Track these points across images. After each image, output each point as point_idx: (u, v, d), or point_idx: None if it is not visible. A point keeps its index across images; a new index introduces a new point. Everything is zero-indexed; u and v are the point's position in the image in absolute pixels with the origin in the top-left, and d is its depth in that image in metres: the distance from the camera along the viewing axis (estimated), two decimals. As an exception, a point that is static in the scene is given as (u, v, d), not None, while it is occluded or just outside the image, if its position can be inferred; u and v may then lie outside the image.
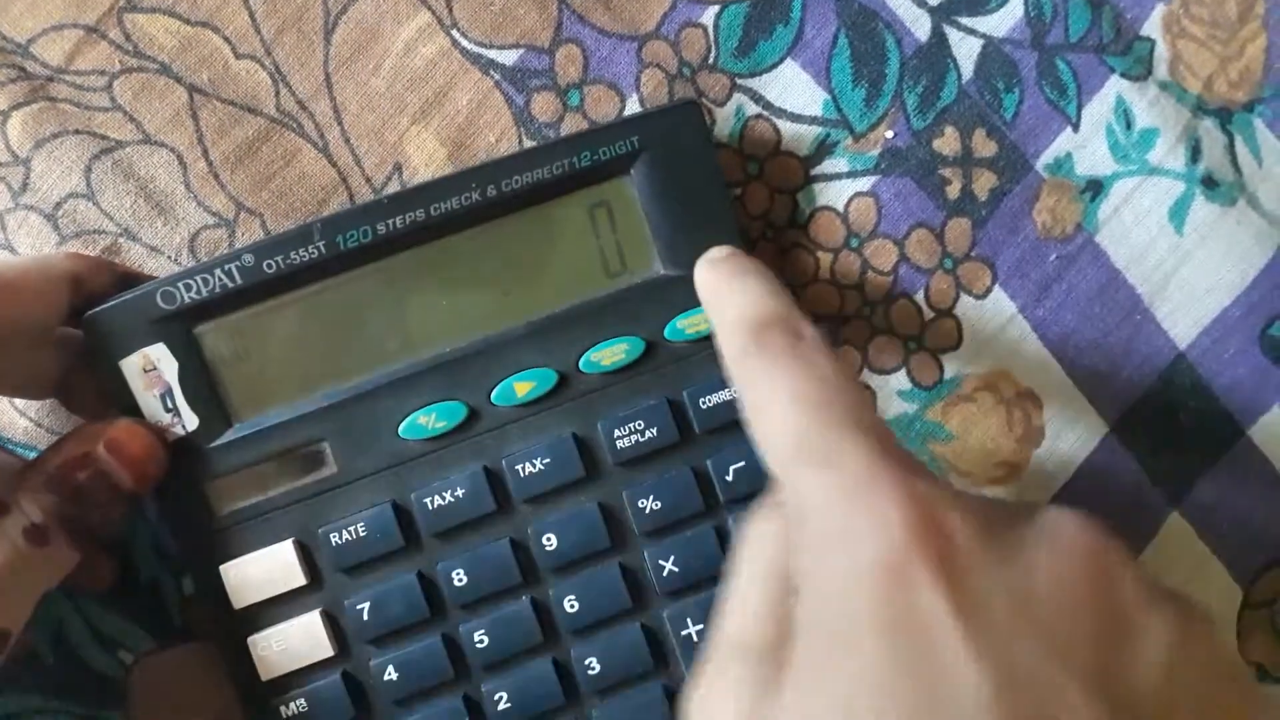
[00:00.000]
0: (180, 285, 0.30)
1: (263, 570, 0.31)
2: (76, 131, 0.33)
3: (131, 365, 0.30)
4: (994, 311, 0.36)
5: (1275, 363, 0.37)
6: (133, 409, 0.31)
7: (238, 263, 0.30)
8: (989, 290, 0.36)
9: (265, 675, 0.31)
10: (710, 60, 0.35)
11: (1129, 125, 0.36)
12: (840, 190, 0.36)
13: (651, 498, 0.32)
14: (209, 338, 0.31)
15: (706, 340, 0.32)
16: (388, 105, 0.34)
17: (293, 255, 0.30)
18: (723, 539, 0.32)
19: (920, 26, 0.36)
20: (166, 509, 0.31)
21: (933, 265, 0.36)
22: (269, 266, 0.30)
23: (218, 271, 0.30)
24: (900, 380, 0.36)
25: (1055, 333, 0.36)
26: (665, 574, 0.32)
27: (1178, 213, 0.37)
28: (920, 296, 0.36)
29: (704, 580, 0.32)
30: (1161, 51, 0.36)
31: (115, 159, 0.33)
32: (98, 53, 0.33)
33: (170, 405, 0.31)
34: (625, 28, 0.35)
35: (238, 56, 0.34)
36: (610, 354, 0.32)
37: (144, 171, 0.33)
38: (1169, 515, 0.37)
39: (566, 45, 0.34)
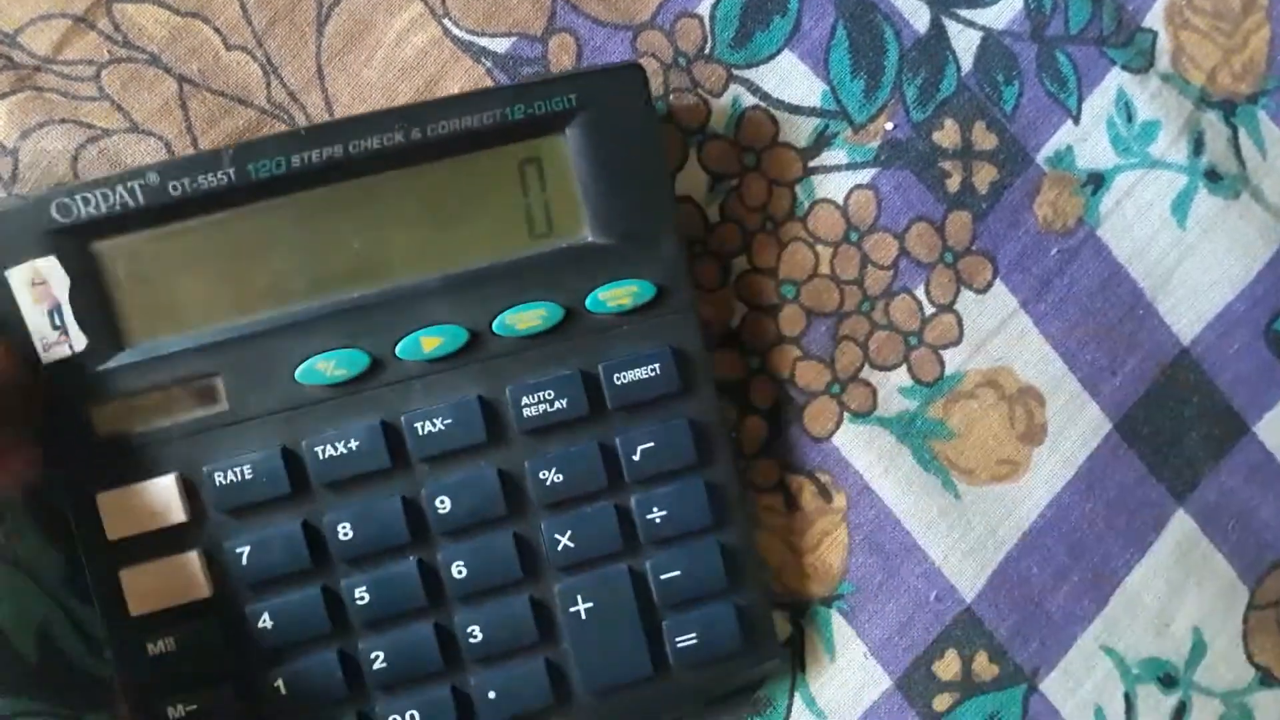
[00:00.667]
0: (79, 198, 0.29)
1: (142, 503, 0.30)
2: (63, 120, 0.32)
3: (19, 276, 0.29)
4: (995, 306, 0.36)
5: (1280, 358, 0.37)
6: (16, 322, 0.29)
7: (141, 180, 0.29)
8: (990, 285, 0.36)
9: (135, 610, 0.30)
10: (706, 50, 0.35)
11: (1130, 118, 0.36)
12: (839, 183, 0.35)
13: (554, 470, 0.32)
14: (105, 256, 0.29)
15: (628, 314, 0.32)
16: (379, 96, 0.34)
17: (201, 179, 0.29)
18: (623, 519, 0.32)
19: (919, 18, 0.35)
20: (47, 430, 0.30)
21: (933, 259, 0.35)
22: (175, 188, 0.29)
23: (120, 188, 0.29)
24: (901, 377, 0.36)
25: (1057, 327, 0.36)
26: (560, 548, 0.32)
27: (1180, 206, 0.36)
28: (921, 291, 0.35)
29: (599, 559, 0.32)
30: (1164, 43, 0.36)
31: (102, 148, 0.32)
32: (86, 42, 0.32)
33: (58, 323, 0.29)
34: (620, 17, 0.34)
35: (229, 48, 0.33)
36: (526, 318, 0.31)
37: (131, 160, 0.32)
38: (1174, 513, 0.36)
39: (559, 34, 0.34)
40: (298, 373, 0.31)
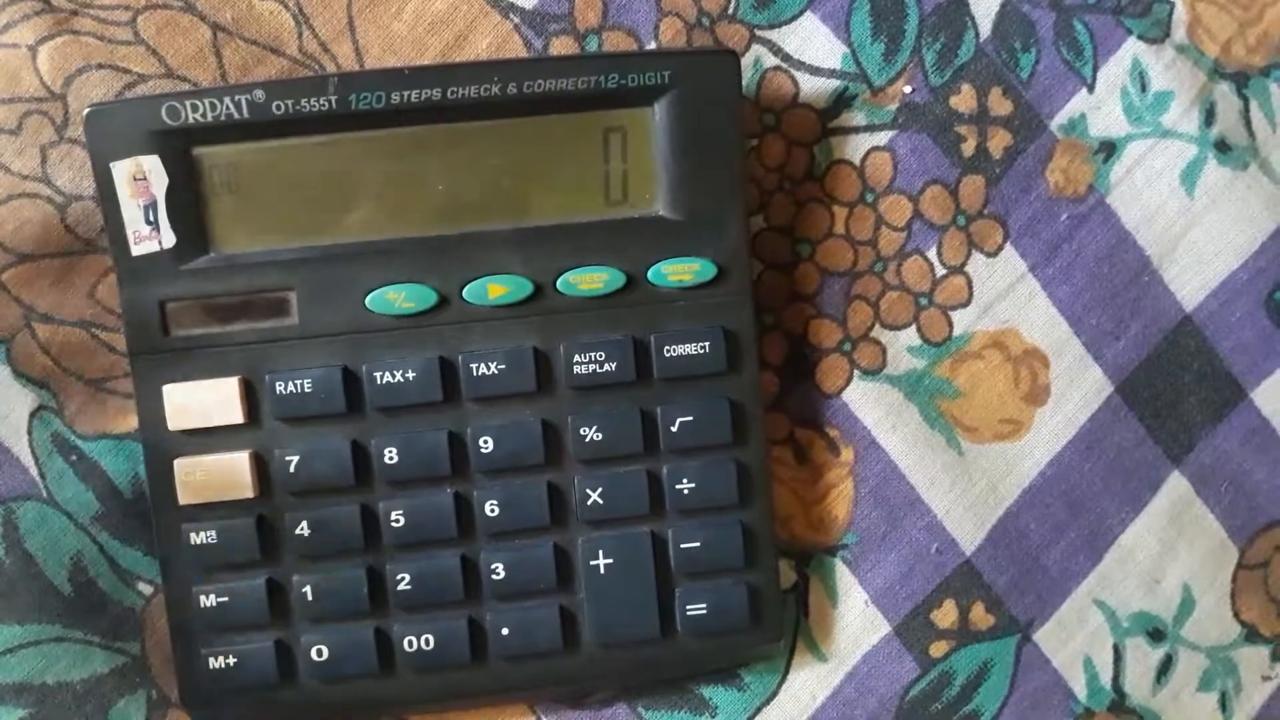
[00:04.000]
0: (187, 104, 0.30)
1: (204, 399, 0.32)
2: (100, 65, 0.33)
3: (122, 169, 0.30)
4: (1005, 269, 0.37)
5: (1280, 327, 0.38)
6: (114, 212, 0.31)
7: (248, 96, 0.30)
8: (1000, 248, 0.36)
9: (183, 500, 0.32)
10: (730, 10, 0.35)
11: (1144, 87, 0.37)
12: (857, 144, 0.36)
13: (595, 428, 0.33)
14: (204, 162, 0.31)
15: (687, 290, 0.33)
16: (409, 48, 0.34)
17: (304, 102, 0.30)
18: (653, 484, 0.33)
19: (940, -17, 0.36)
20: (126, 316, 0.32)
21: (946, 222, 0.36)
22: (278, 107, 0.30)
23: (227, 100, 0.30)
24: (910, 336, 0.36)
25: (1064, 292, 0.37)
26: (589, 503, 0.33)
27: (1189, 176, 0.37)
28: (933, 253, 0.36)
29: (624, 519, 0.33)
30: (1180, 14, 0.37)
31: (140, 93, 0.33)
32: (122, -12, 0.33)
33: (151, 219, 0.31)
34: (646, -25, 0.35)
35: (260, -4, 0.34)
36: (589, 279, 0.32)
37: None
38: (1169, 474, 0.38)
39: (587, -9, 0.35)
40: (368, 299, 0.32)
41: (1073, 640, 0.37)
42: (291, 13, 0.34)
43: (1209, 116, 0.37)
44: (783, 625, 0.35)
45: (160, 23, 0.33)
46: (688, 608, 0.34)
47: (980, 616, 0.37)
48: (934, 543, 0.36)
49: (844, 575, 0.36)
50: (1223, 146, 0.37)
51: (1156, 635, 0.38)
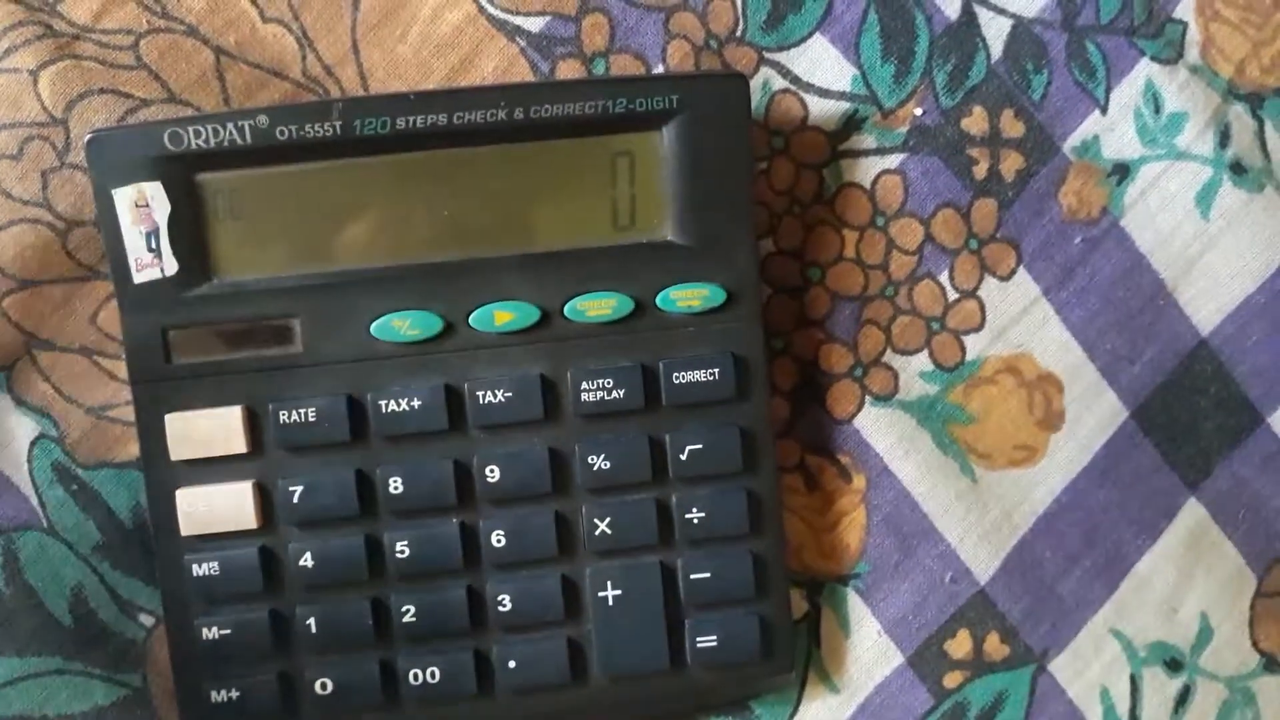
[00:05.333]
0: (190, 129, 0.30)
1: (206, 429, 0.31)
2: (102, 90, 0.32)
3: (124, 196, 0.30)
4: (1018, 293, 0.36)
5: (1298, 351, 0.37)
6: (116, 240, 0.30)
7: (251, 122, 0.30)
8: (1013, 272, 0.36)
9: (185, 531, 0.31)
10: (738, 33, 0.35)
11: (1158, 109, 0.36)
12: (867, 167, 0.35)
13: (603, 456, 0.32)
14: (207, 189, 0.31)
15: (696, 316, 0.32)
16: (414, 72, 0.34)
17: (308, 128, 0.30)
18: (662, 514, 0.33)
19: (950, 4, 0.35)
20: (127, 344, 0.31)
21: (958, 246, 0.36)
22: (282, 133, 0.30)
23: (230, 125, 0.30)
24: (923, 361, 0.36)
25: (1078, 316, 0.36)
26: (598, 532, 0.32)
27: (1204, 198, 0.36)
28: (944, 277, 0.36)
29: (633, 549, 0.33)
30: (1193, 35, 0.36)
31: (142, 118, 0.33)
32: (125, 13, 0.33)
33: (154, 246, 0.30)
34: (654, -1, 0.35)
35: (265, 20, 0.34)
36: (597, 305, 0.32)
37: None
38: (1186, 501, 0.37)
39: (593, 14, 0.34)
40: (373, 327, 0.31)
41: (1089, 670, 0.37)
42: (295, 36, 0.33)
43: (1224, 138, 0.36)
44: (794, 657, 0.34)
45: (163, 47, 0.33)
46: (698, 639, 0.33)
47: (995, 647, 0.36)
48: (948, 572, 0.36)
49: (856, 605, 0.36)
50: (1238, 168, 0.36)
51: (1174, 665, 0.37)
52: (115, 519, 0.33)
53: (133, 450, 0.33)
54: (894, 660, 0.36)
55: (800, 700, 0.36)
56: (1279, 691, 0.38)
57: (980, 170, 0.36)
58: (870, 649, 0.36)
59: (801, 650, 0.36)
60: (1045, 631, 0.36)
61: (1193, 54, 0.36)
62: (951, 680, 0.36)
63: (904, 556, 0.36)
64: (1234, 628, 0.37)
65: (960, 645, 0.36)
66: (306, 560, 0.32)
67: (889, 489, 0.36)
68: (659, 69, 0.35)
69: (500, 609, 0.32)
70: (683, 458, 0.33)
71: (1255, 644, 0.38)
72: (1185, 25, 0.36)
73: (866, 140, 0.35)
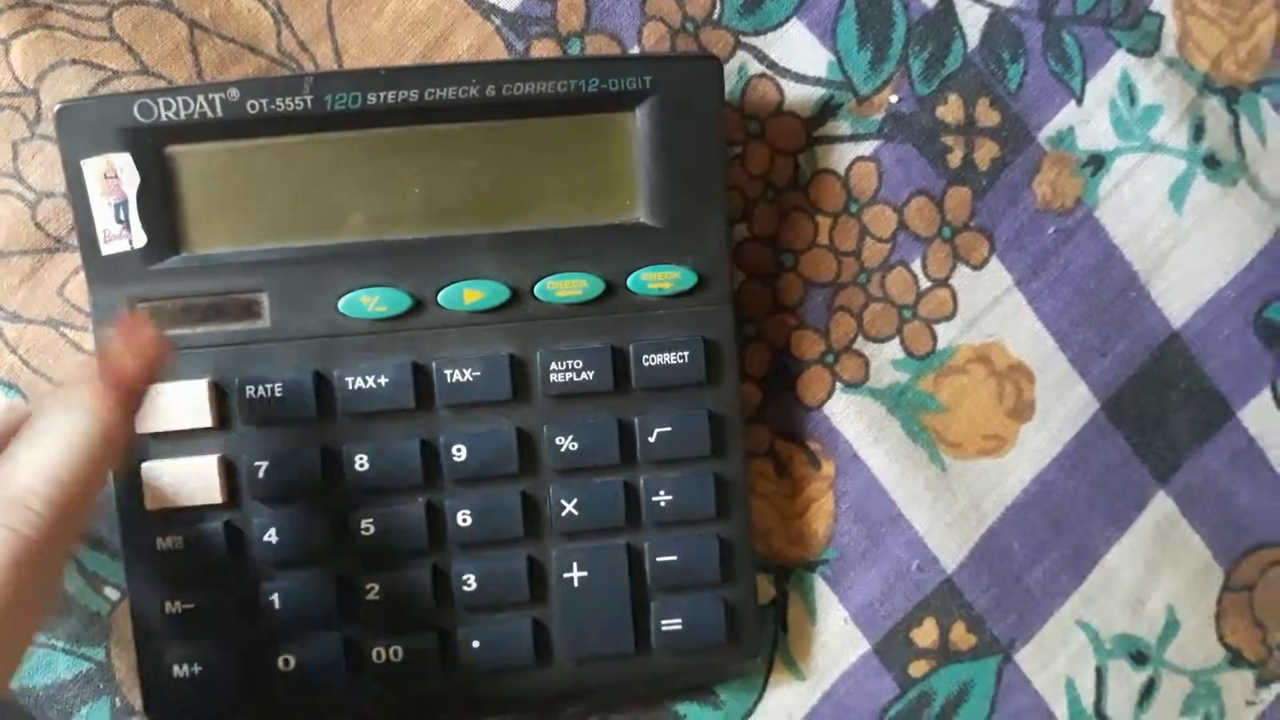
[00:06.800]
0: (160, 101, 0.30)
1: (172, 402, 0.31)
2: (74, 61, 0.32)
3: (93, 167, 0.30)
4: (990, 283, 0.36)
5: (1268, 345, 0.37)
6: (84, 210, 0.30)
7: (222, 95, 0.30)
8: (986, 261, 0.36)
9: (150, 505, 0.31)
10: (715, 16, 0.35)
11: (1133, 101, 0.36)
12: (842, 154, 0.35)
13: (571, 437, 0.32)
14: (177, 161, 0.30)
15: (667, 299, 0.32)
16: (389, 48, 0.34)
17: (279, 101, 0.30)
18: (629, 496, 0.33)
19: (928, -8, 0.35)
20: (94, 316, 0.31)
21: (931, 234, 0.36)
22: (253, 106, 0.30)
23: (200, 98, 0.30)
24: (894, 349, 0.36)
25: (1050, 306, 0.36)
26: (564, 514, 0.32)
27: (1178, 191, 0.36)
28: (917, 265, 0.36)
29: (599, 530, 0.33)
30: (1170, 27, 0.36)
31: (114, 90, 0.32)
32: (98, -17, 0.33)
33: (122, 218, 0.30)
34: (631, -20, 0.34)
35: (239, -6, 0.33)
36: (567, 286, 0.32)
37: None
38: (1155, 494, 0.37)
39: (570, -6, 0.34)
40: (341, 303, 0.31)
41: (1055, 662, 0.37)
42: (270, 11, 0.33)
43: (1198, 131, 0.36)
44: (759, 642, 0.34)
45: (136, 19, 0.33)
46: (663, 623, 0.33)
47: (961, 636, 0.36)
48: (915, 560, 0.36)
49: (823, 592, 0.36)
50: (1212, 162, 0.36)
51: (1140, 658, 0.37)
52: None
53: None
54: (860, 648, 0.36)
55: (766, 686, 0.36)
56: (1243, 686, 0.38)
57: (955, 159, 0.36)
58: (836, 636, 0.36)
59: (767, 636, 0.36)
60: (1012, 622, 0.36)
61: (1169, 47, 0.36)
62: (917, 669, 0.36)
63: (871, 544, 0.36)
64: (1200, 622, 0.37)
65: (926, 634, 0.36)
66: (271, 536, 0.32)
67: (858, 476, 0.36)
68: (634, 50, 0.35)
69: (465, 589, 0.32)
70: (651, 440, 0.33)
71: (1221, 638, 0.38)
72: (1162, 18, 0.36)
73: (842, 127, 0.35)
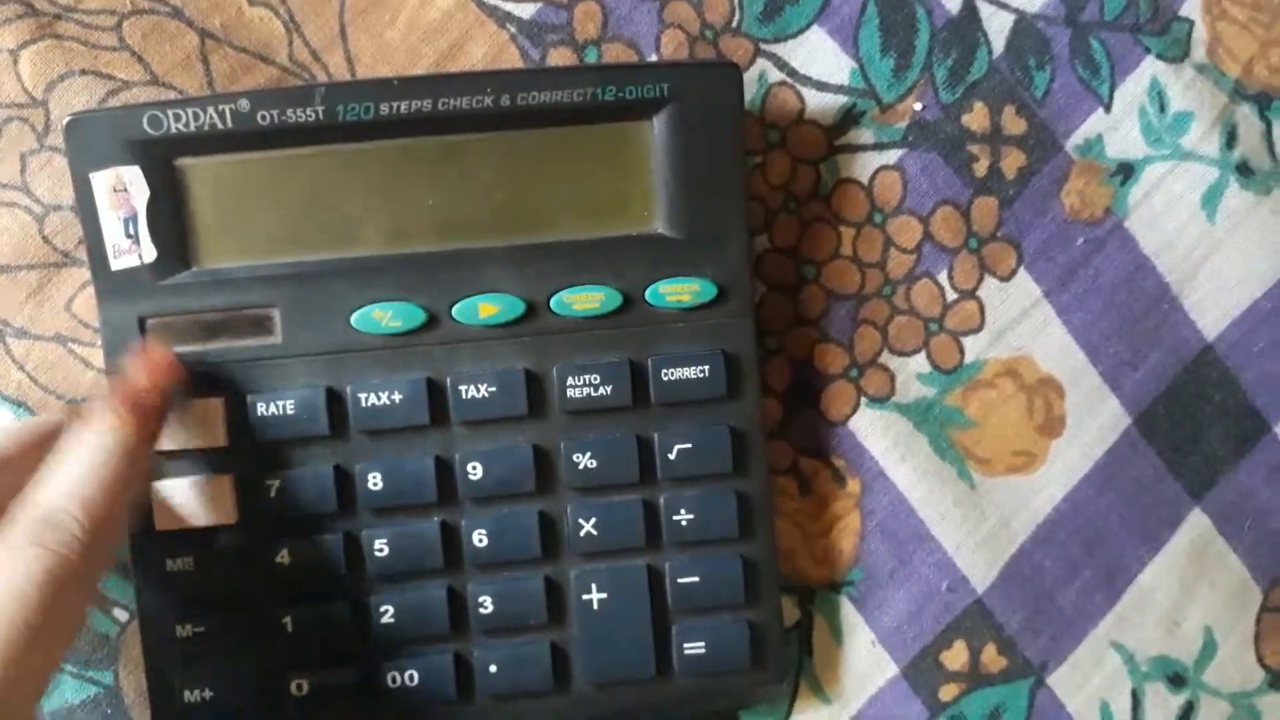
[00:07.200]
0: (170, 113, 0.29)
1: (184, 420, 0.30)
2: (83, 71, 0.32)
3: (102, 180, 0.29)
4: (1018, 294, 0.35)
5: (1306, 357, 0.36)
6: (93, 224, 0.30)
7: (233, 106, 0.29)
8: (1014, 272, 0.35)
9: (160, 525, 0.30)
10: (734, 23, 0.34)
11: (1163, 108, 0.35)
12: (865, 163, 0.35)
13: (589, 454, 0.31)
14: (187, 174, 0.30)
15: (686, 312, 0.32)
16: (402, 58, 0.33)
17: (290, 113, 0.29)
18: (650, 515, 0.32)
19: (952, -1, 0.35)
20: (104, 332, 0.30)
21: (957, 244, 0.35)
22: (263, 118, 0.29)
23: (210, 109, 0.29)
24: (920, 363, 0.35)
25: (1080, 319, 0.35)
26: (582, 534, 0.32)
27: (1210, 200, 0.36)
28: (943, 276, 0.35)
29: (619, 550, 0.32)
30: (1200, 33, 0.35)
31: (123, 100, 0.32)
32: (108, -7, 0.32)
33: (131, 232, 0.30)
34: (649, -13, 0.34)
35: (251, 4, 0.33)
36: (584, 299, 0.31)
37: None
38: (1190, 511, 0.36)
39: (586, 1, 0.34)
40: (354, 318, 0.31)
41: (1089, 684, 0.35)
42: (282, 20, 0.33)
43: (1230, 139, 0.36)
44: (785, 666, 0.33)
45: (146, 28, 0.32)
46: (685, 646, 0.32)
47: (992, 658, 0.35)
48: (944, 580, 0.35)
49: (850, 613, 0.35)
50: (1245, 170, 0.36)
51: (1177, 680, 0.36)
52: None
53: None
54: (888, 671, 0.35)
55: (791, 711, 0.35)
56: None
57: (980, 168, 0.35)
58: (864, 659, 0.35)
59: (793, 659, 0.35)
60: (1044, 643, 0.35)
61: (1199, 52, 0.36)
62: (947, 693, 0.35)
63: (899, 564, 0.35)
64: (1239, 643, 0.36)
65: (956, 656, 0.35)
66: (283, 557, 0.31)
67: (884, 494, 0.35)
68: (652, 58, 0.34)
69: (481, 611, 0.31)
70: (671, 457, 0.32)
71: (1260, 660, 0.36)
72: (1192, 23, 0.35)
73: (864, 135, 0.35)
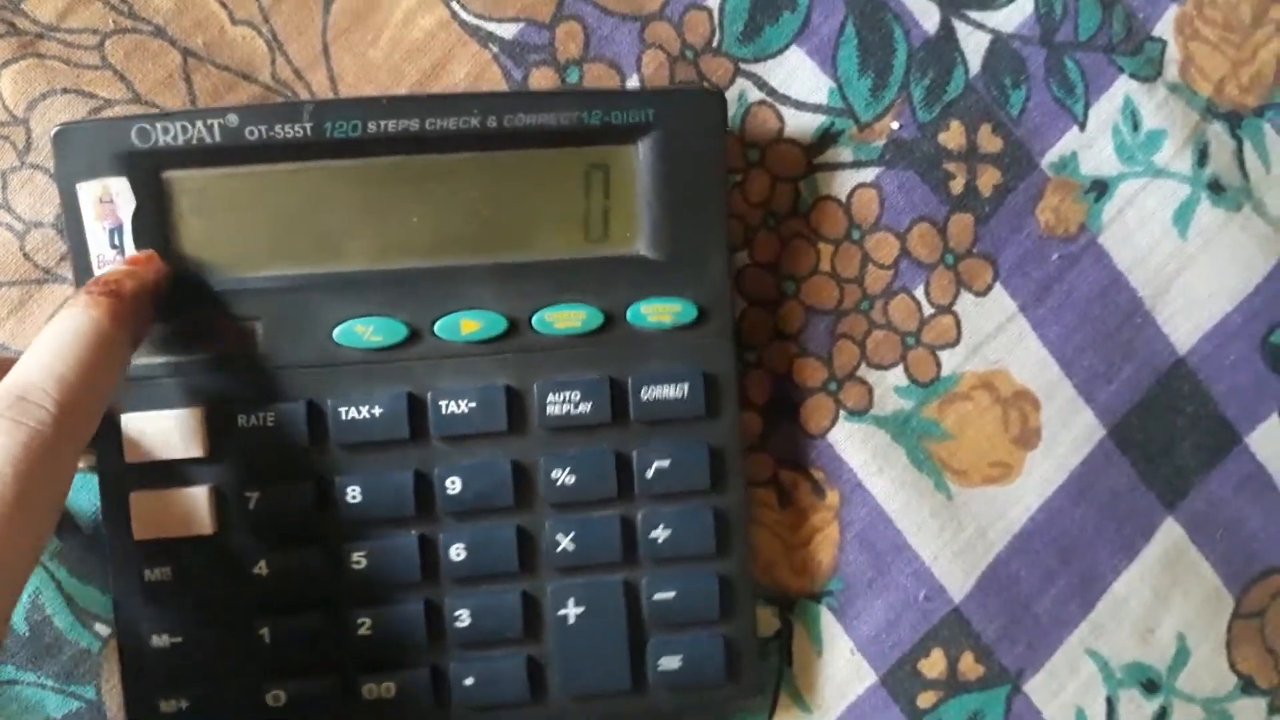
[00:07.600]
0: (158, 126, 0.29)
1: (163, 431, 0.30)
2: (65, 90, 0.32)
3: (88, 191, 0.30)
4: (994, 309, 0.36)
5: (1275, 371, 0.37)
6: (78, 234, 0.30)
7: (221, 120, 0.29)
8: (990, 287, 0.36)
9: (138, 535, 0.31)
10: (714, 44, 0.34)
11: (1136, 126, 0.36)
12: (843, 180, 0.35)
13: (567, 470, 0.32)
14: (173, 186, 0.30)
15: (667, 331, 0.32)
16: (385, 77, 0.33)
17: (278, 128, 0.29)
18: (627, 531, 0.32)
19: (929, 18, 0.35)
20: None
21: (934, 260, 0.35)
22: (251, 133, 0.29)
23: (199, 123, 0.29)
24: (898, 376, 0.36)
25: (1055, 333, 0.36)
26: (560, 549, 0.32)
27: (1182, 216, 0.36)
28: (920, 292, 0.35)
29: (596, 566, 0.32)
30: (1172, 53, 0.36)
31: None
32: (91, 12, 0.32)
33: (116, 243, 0.30)
34: (628, 7, 0.34)
35: (234, 22, 0.33)
36: (566, 317, 0.31)
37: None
38: (1163, 521, 0.37)
39: (567, 21, 0.34)
40: (335, 332, 0.31)
41: (1064, 691, 0.36)
42: (265, 39, 0.33)
43: (1202, 156, 0.36)
44: (761, 680, 0.34)
45: (129, 47, 0.32)
46: (661, 660, 0.32)
47: (969, 666, 0.36)
48: (922, 589, 0.35)
49: (829, 623, 0.35)
50: (1216, 187, 0.36)
51: (1151, 687, 0.37)
52: (74, 524, 0.33)
53: (91, 456, 0.32)
54: (867, 679, 0.35)
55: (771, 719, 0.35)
56: (1256, 715, 0.37)
57: (957, 185, 0.35)
58: (843, 668, 0.35)
59: (773, 669, 0.35)
60: (1020, 651, 0.36)
61: (1172, 72, 0.36)
62: (925, 700, 0.35)
63: (877, 574, 0.35)
64: (1211, 649, 0.37)
65: (934, 665, 0.35)
66: (261, 569, 0.31)
67: (862, 505, 0.35)
68: (633, 79, 0.34)
69: (458, 625, 0.32)
70: (649, 475, 0.32)
71: (1233, 666, 0.37)
72: (1164, 43, 0.36)
73: (843, 153, 0.35)
